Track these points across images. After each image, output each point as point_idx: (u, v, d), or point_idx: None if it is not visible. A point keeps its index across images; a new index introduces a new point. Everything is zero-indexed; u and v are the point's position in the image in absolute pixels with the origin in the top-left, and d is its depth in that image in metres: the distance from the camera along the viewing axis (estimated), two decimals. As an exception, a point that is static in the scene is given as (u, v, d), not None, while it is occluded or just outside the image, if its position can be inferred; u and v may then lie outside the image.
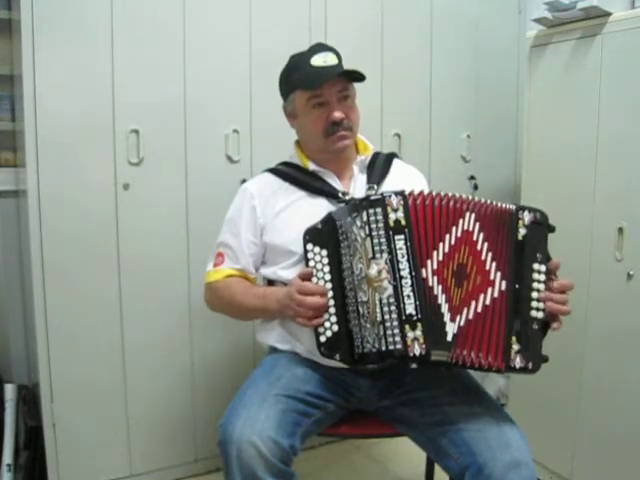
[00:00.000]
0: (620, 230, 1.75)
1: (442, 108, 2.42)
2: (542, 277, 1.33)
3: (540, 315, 1.32)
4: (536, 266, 1.33)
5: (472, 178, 2.50)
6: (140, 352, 2.00)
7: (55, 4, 1.77)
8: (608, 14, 1.76)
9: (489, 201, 1.36)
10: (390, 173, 1.60)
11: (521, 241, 1.34)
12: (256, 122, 2.09)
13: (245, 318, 1.70)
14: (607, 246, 1.79)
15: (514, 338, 1.29)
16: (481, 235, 1.32)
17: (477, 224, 1.32)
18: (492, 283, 1.31)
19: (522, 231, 1.34)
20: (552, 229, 1.38)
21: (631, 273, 1.73)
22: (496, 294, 1.30)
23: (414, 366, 1.26)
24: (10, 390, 2.07)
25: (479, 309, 1.29)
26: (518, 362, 1.28)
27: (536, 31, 2.01)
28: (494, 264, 1.32)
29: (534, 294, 1.32)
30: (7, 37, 2.12)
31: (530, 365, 1.29)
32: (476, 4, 2.45)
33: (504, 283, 1.31)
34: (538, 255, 1.34)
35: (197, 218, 2.03)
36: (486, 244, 1.32)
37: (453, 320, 1.27)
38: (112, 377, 1.97)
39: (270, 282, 1.57)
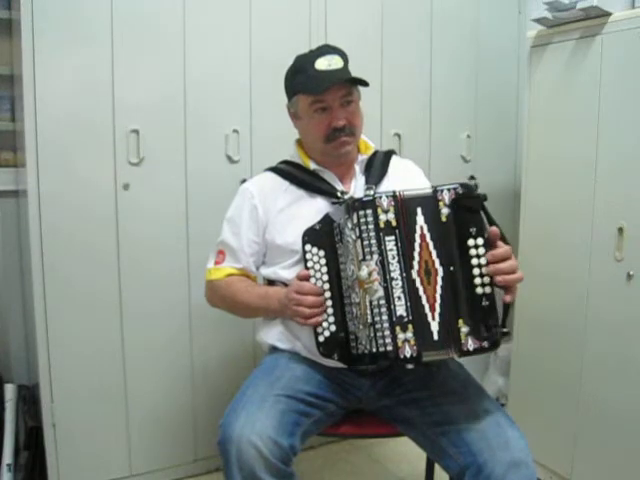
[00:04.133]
0: (620, 230, 1.75)
1: (442, 108, 2.42)
2: (481, 251, 1.26)
3: (488, 290, 1.25)
4: (471, 242, 1.26)
5: (472, 178, 2.50)
6: (140, 352, 2.00)
7: (55, 4, 1.77)
8: (608, 14, 1.76)
9: (411, 190, 1.32)
10: (388, 172, 1.60)
11: (446, 222, 1.28)
12: (256, 122, 2.09)
13: (246, 316, 1.70)
14: (607, 246, 1.79)
15: (460, 321, 1.25)
16: (426, 226, 1.30)
17: (423, 217, 1.30)
18: (437, 272, 1.29)
19: (445, 211, 1.28)
20: (483, 198, 1.30)
21: (631, 273, 1.72)
22: (441, 282, 1.28)
23: (410, 367, 1.26)
24: (10, 390, 2.07)
25: (439, 301, 1.28)
26: (470, 344, 1.24)
27: (536, 31, 2.01)
28: (435, 252, 1.29)
29: (475, 271, 1.26)
30: (7, 37, 2.12)
31: (486, 344, 1.24)
32: (476, 4, 2.45)
33: (441, 269, 1.28)
34: (471, 229, 1.26)
35: (197, 218, 2.03)
36: (429, 234, 1.30)
37: (433, 318, 1.28)
38: (112, 377, 1.97)
39: (270, 282, 1.57)
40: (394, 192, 1.30)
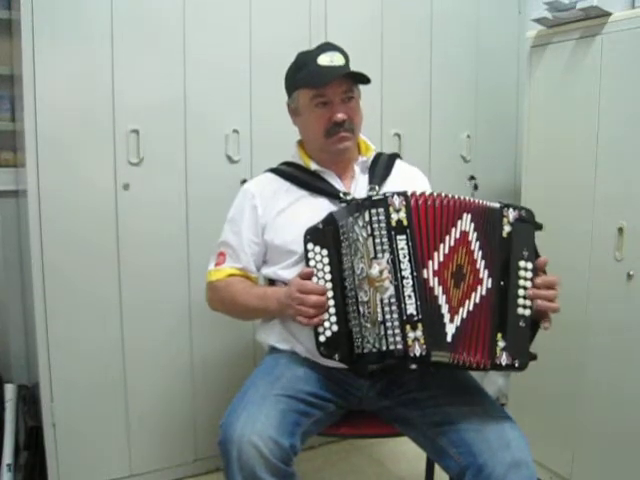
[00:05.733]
0: (620, 230, 1.75)
1: (442, 108, 2.42)
2: (529, 274, 1.32)
3: (527, 312, 1.31)
4: (522, 263, 1.32)
5: (472, 178, 2.50)
6: (140, 352, 2.00)
7: (55, 4, 1.77)
8: (608, 14, 1.76)
9: (477, 200, 1.35)
10: (392, 174, 1.60)
11: (506, 238, 1.33)
12: (256, 122, 2.09)
13: (245, 318, 1.70)
14: (607, 246, 1.79)
15: (499, 335, 1.28)
16: (475, 234, 1.32)
17: (472, 224, 1.32)
18: (481, 282, 1.31)
19: (507, 228, 1.33)
20: (539, 226, 1.38)
21: (631, 273, 1.73)
22: (484, 292, 1.30)
23: (413, 367, 1.26)
24: (10, 390, 2.07)
25: (471, 308, 1.29)
26: (504, 359, 1.28)
27: (536, 31, 2.01)
28: (483, 262, 1.31)
29: (520, 291, 1.31)
30: (7, 37, 2.12)
31: (517, 363, 1.29)
32: (476, 4, 2.45)
33: (490, 281, 1.31)
34: (524, 252, 1.33)
35: (197, 218, 2.03)
36: (478, 243, 1.32)
37: (452, 321, 1.27)
38: (112, 377, 1.97)
39: (271, 282, 1.57)
40: (405, 192, 1.30)
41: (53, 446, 1.90)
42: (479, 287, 1.30)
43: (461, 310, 1.28)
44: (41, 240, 1.82)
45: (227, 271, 1.56)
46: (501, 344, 1.28)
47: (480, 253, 1.31)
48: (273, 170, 1.62)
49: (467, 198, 1.34)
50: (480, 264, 1.31)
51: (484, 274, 1.31)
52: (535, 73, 2.03)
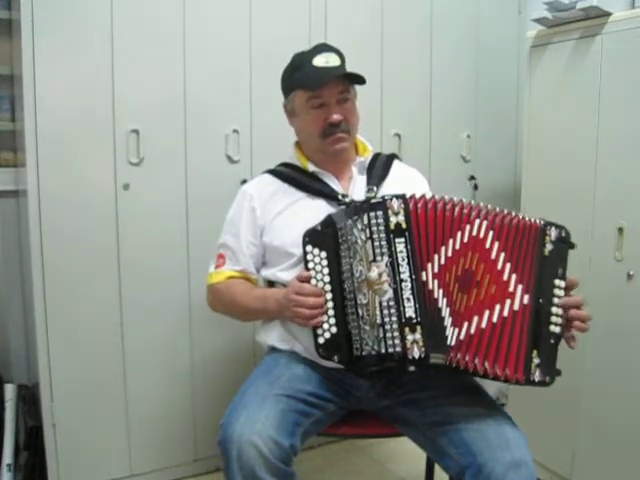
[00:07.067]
0: (620, 230, 1.75)
1: (442, 108, 2.42)
2: (562, 293, 1.33)
3: (558, 330, 1.32)
4: (557, 282, 1.33)
5: (472, 178, 2.50)
6: (140, 352, 2.00)
7: (55, 4, 1.77)
8: (608, 14, 1.76)
9: (512, 212, 1.34)
10: (390, 175, 1.60)
11: (547, 256, 1.33)
12: (256, 122, 2.09)
13: (246, 319, 1.71)
14: (607, 246, 1.79)
15: (535, 352, 1.29)
16: (496, 244, 1.30)
17: (490, 232, 1.30)
18: (512, 295, 1.29)
19: (549, 247, 1.34)
20: (572, 246, 1.38)
21: (631, 273, 1.73)
22: (517, 307, 1.29)
23: (412, 369, 1.25)
24: (10, 390, 2.07)
25: (494, 319, 1.28)
26: (538, 376, 1.29)
27: (536, 31, 2.01)
28: (514, 276, 1.30)
29: (554, 309, 1.32)
30: (7, 37, 2.12)
31: (547, 379, 1.31)
32: (476, 4, 2.45)
33: (527, 297, 1.30)
34: (559, 271, 1.34)
35: (197, 218, 2.03)
36: (503, 254, 1.30)
37: (458, 325, 1.26)
38: (112, 377, 1.97)
39: (270, 284, 1.57)
40: (404, 195, 1.30)
41: (53, 446, 1.90)
42: (508, 300, 1.29)
43: (475, 318, 1.27)
44: (41, 240, 1.83)
45: (227, 273, 1.56)
46: (536, 361, 1.29)
47: (508, 265, 1.30)
48: (271, 171, 1.62)
49: (487, 206, 1.33)
50: (509, 277, 1.30)
51: (516, 289, 1.30)
52: (535, 73, 2.03)
